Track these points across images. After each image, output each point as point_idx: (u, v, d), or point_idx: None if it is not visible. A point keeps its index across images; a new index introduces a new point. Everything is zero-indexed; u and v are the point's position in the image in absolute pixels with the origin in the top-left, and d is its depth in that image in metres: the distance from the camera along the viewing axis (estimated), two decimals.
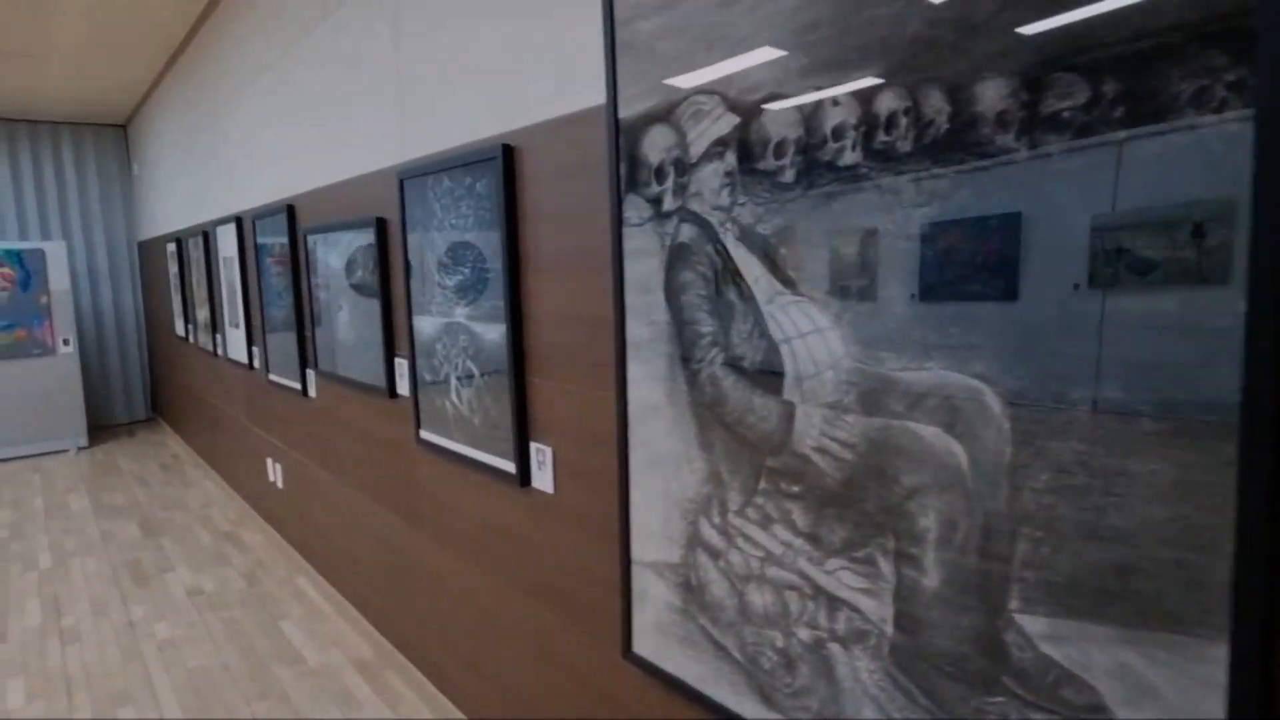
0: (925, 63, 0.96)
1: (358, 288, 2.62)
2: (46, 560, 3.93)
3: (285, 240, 3.23)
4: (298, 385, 3.31)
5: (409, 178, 2.19)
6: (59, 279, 6.21)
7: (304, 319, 3.20)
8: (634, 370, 1.47)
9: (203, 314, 4.91)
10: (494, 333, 1.89)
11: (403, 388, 2.42)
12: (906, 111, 0.98)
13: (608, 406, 1.58)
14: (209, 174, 4.54)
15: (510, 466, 1.90)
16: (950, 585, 0.99)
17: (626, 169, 1.43)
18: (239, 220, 3.92)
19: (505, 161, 1.78)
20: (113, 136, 7.09)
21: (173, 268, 5.69)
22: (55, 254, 6.20)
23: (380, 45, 2.33)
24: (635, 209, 1.43)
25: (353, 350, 2.72)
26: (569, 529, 1.74)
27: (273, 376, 3.64)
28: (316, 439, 3.24)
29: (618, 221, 1.47)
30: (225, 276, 4.29)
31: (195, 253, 4.91)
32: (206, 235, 4.62)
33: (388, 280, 2.44)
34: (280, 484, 3.78)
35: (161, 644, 3.02)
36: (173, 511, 4.61)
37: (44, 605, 3.42)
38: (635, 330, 1.46)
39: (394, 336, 2.45)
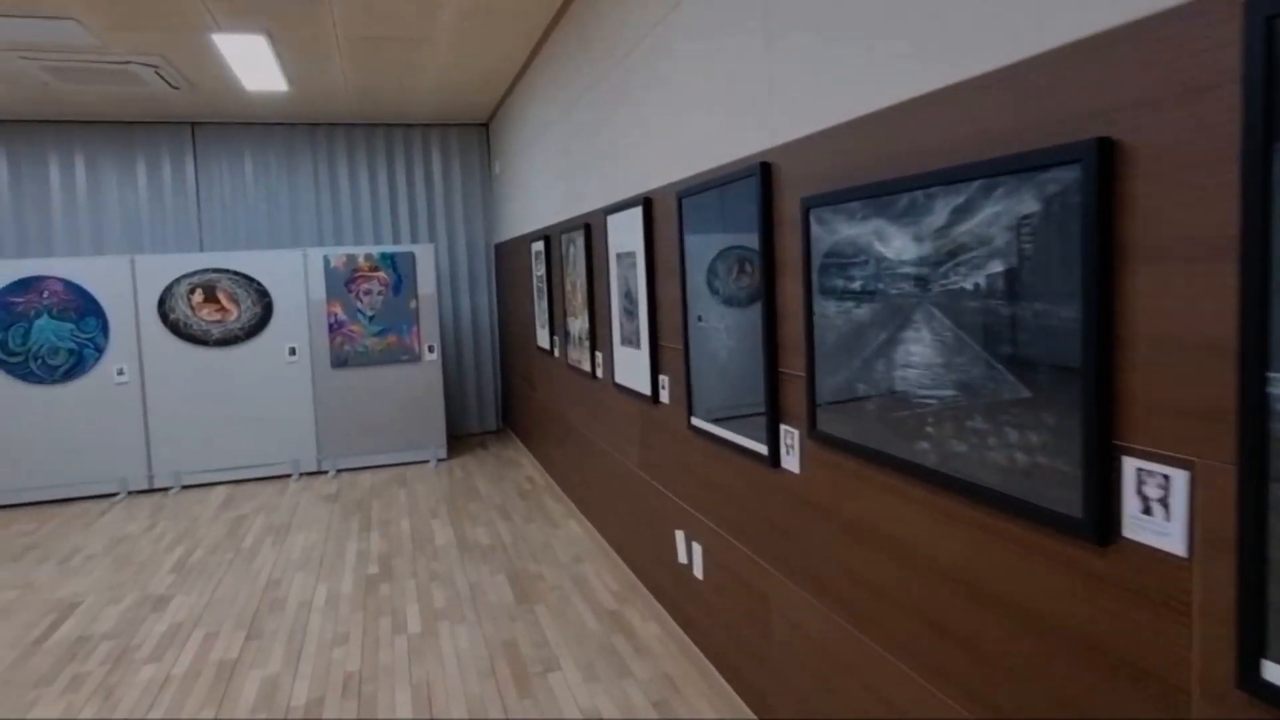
0: None
1: (974, 294, 1.32)
2: (415, 621, 3.26)
3: (753, 220, 2.08)
4: (759, 447, 2.15)
5: None
6: (426, 283, 5.98)
7: (780, 344, 2.01)
8: None
9: (577, 325, 4.10)
10: None
11: (1155, 533, 1.05)
12: None
13: None
14: (593, 153, 3.68)
15: None
16: None
17: None
18: (646, 202, 2.91)
19: None
20: (475, 136, 6.86)
21: (537, 270, 5.07)
22: (424, 257, 5.98)
23: None
24: None
25: (946, 416, 1.43)
26: None
27: (699, 422, 2.54)
28: (795, 540, 2.04)
29: None
30: (617, 278, 3.36)
31: (570, 251, 4.12)
32: (588, 228, 3.77)
33: (1109, 277, 1.10)
34: (698, 572, 2.69)
35: None
36: (542, 564, 3.82)
37: (415, 699, 2.65)
38: None
39: (1121, 404, 1.10)
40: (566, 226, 4.20)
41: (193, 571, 3.94)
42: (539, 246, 4.94)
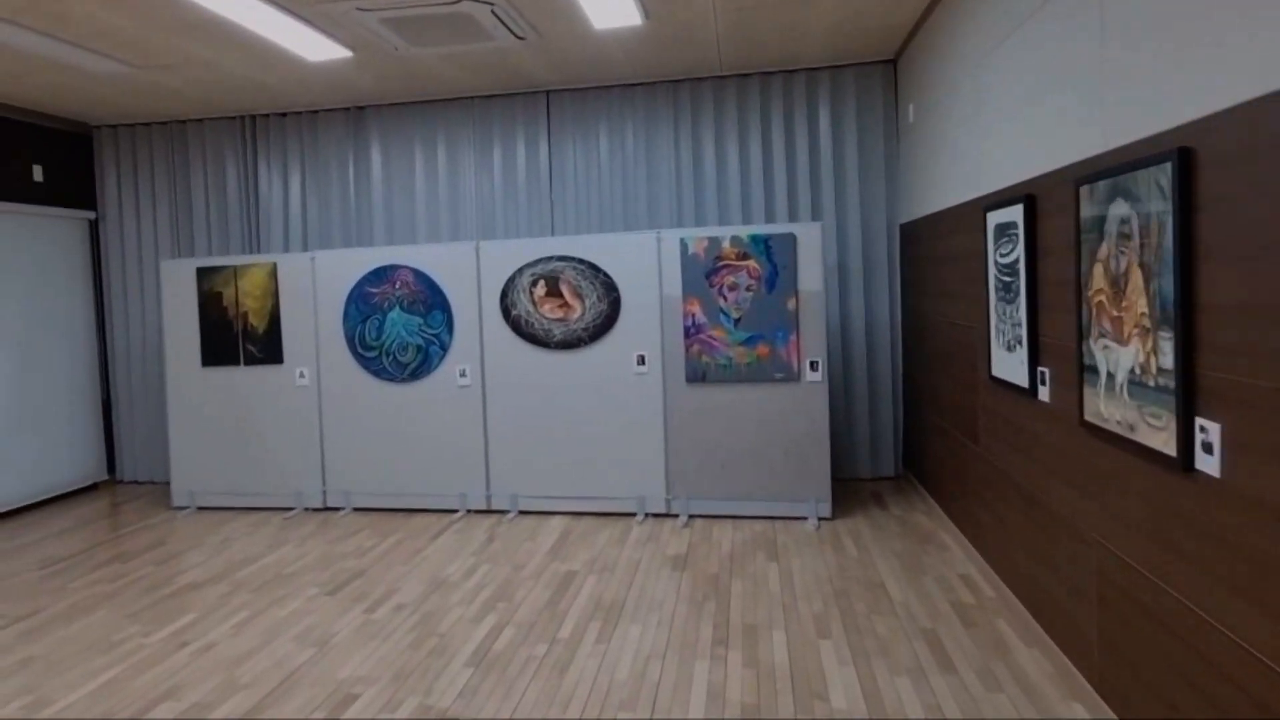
0: None
1: None
2: None
3: None
4: None
5: None
6: (810, 276, 4.39)
7: None
8: None
9: (1127, 357, 2.12)
10: None
11: None
12: None
13: None
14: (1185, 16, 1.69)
15: None
16: None
17: None
18: None
19: None
20: (878, 77, 5.08)
21: (1000, 255, 3.14)
22: (809, 241, 4.40)
23: None
24: None
25: None
26: None
27: None
28: None
29: None
30: None
31: (1108, 216, 2.15)
32: (1185, 159, 1.80)
33: None
34: None
35: None
36: None
37: None
38: None
39: None
40: (1099, 169, 2.24)
41: (492, 671, 2.85)
42: (1004, 216, 3.02)
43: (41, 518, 5.20)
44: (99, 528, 4.91)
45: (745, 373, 4.46)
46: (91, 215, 5.96)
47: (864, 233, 5.12)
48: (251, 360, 5.11)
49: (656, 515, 4.63)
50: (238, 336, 5.12)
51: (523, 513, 4.81)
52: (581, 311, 4.62)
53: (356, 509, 5.03)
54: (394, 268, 4.87)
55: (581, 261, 4.62)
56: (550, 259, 4.65)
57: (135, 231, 5.96)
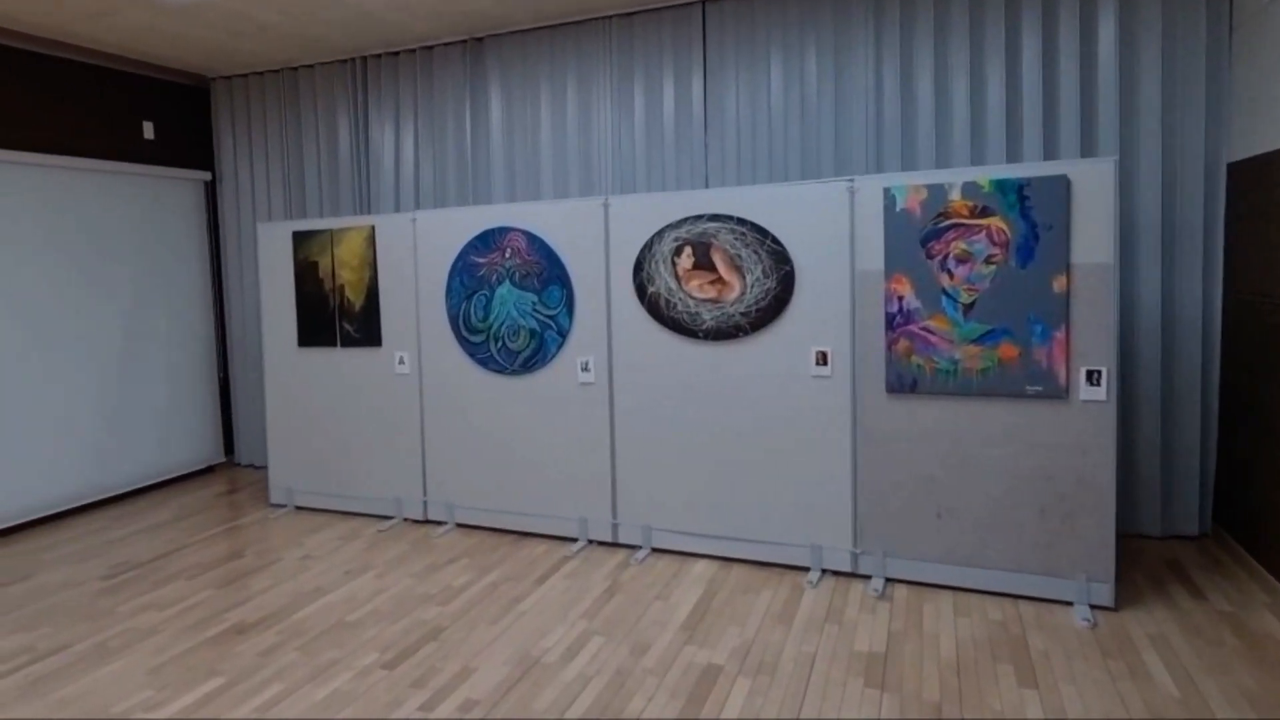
0: None
1: None
2: None
3: None
4: None
5: None
6: (1092, 242, 2.88)
7: None
8: None
9: None
10: None
11: None
12: None
13: None
14: None
15: None
16: None
17: None
18: None
19: None
20: None
21: None
22: (1091, 186, 2.88)
23: None
24: None
25: None
26: None
27: None
28: None
29: None
30: None
31: None
32: None
33: None
34: None
35: None
36: None
37: None
38: None
39: None
40: None
41: None
42: None
43: (146, 505, 4.76)
44: (189, 525, 4.35)
45: (979, 382, 3.04)
46: (207, 176, 5.46)
47: (1164, 176, 3.48)
48: (348, 341, 4.33)
49: (838, 574, 3.35)
50: (334, 313, 4.36)
51: (656, 550, 3.70)
52: (741, 290, 3.39)
53: (460, 525, 4.15)
54: (503, 231, 3.87)
55: (741, 222, 3.37)
56: (699, 218, 3.44)
57: (250, 193, 5.40)
